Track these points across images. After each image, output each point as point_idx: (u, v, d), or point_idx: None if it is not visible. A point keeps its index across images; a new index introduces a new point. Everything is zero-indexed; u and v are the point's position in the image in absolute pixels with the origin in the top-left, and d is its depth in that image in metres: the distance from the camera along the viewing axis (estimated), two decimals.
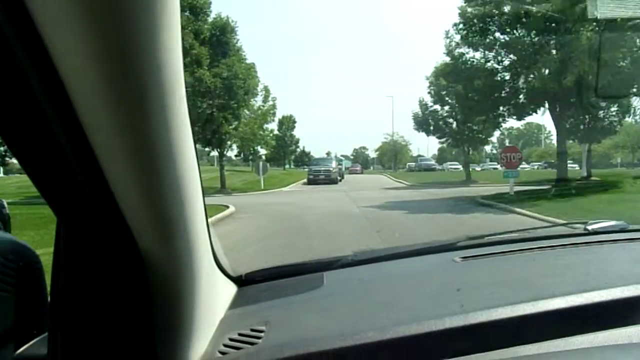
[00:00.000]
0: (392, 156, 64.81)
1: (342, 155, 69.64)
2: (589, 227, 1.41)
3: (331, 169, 30.56)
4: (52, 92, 0.50)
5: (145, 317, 0.69)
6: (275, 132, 57.42)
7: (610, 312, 0.79)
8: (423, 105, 30.69)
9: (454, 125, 28.85)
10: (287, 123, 59.17)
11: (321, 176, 29.95)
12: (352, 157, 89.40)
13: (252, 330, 0.86)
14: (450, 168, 52.97)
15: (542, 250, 1.24)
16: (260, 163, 26.54)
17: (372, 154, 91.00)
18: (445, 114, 29.38)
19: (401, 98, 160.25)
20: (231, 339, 0.83)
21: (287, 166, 60.02)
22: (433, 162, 57.81)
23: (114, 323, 0.68)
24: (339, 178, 31.23)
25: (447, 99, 28.08)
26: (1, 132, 0.52)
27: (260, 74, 28.85)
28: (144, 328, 0.70)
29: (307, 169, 32.66)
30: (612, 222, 1.43)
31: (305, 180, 30.67)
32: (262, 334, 0.84)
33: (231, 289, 1.12)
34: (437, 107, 29.67)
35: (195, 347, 0.78)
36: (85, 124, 0.52)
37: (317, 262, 1.31)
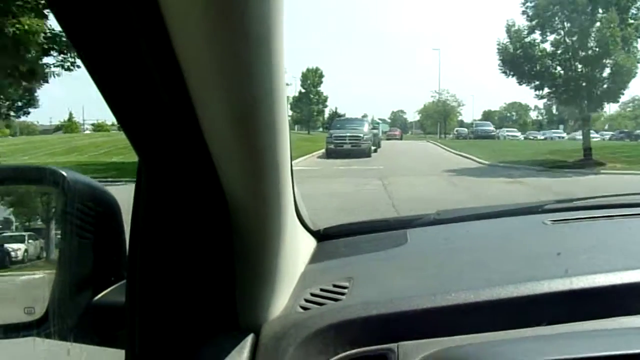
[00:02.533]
0: (439, 119, 54.32)
1: (379, 119, 59.38)
2: None
3: (362, 134, 20.72)
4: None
5: (226, 267, 0.68)
6: (299, 88, 48.62)
7: None
8: (514, 33, 18.47)
9: (562, 68, 17.80)
10: (312, 78, 49.60)
11: (346, 145, 20.20)
12: (389, 121, 79.76)
13: (335, 286, 0.82)
14: (509, 136, 42.98)
15: (636, 217, 1.13)
16: None
17: (411, 118, 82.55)
18: (550, 50, 18.13)
19: (450, 51, 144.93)
20: (313, 294, 0.80)
21: (319, 129, 50.91)
22: (492, 127, 46.93)
23: (193, 272, 0.67)
24: (372, 148, 21.29)
25: (556, 22, 17.48)
26: (97, 70, 0.52)
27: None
28: (225, 278, 0.69)
29: (327, 134, 22.94)
30: None
31: (324, 150, 21.06)
32: (345, 290, 0.80)
33: (311, 243, 1.08)
34: (536, 36, 18.37)
35: (276, 300, 0.75)
36: (183, 66, 0.51)
37: (399, 219, 1.28)
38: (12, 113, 21.78)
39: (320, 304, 0.77)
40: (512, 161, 17.06)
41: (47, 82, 15.88)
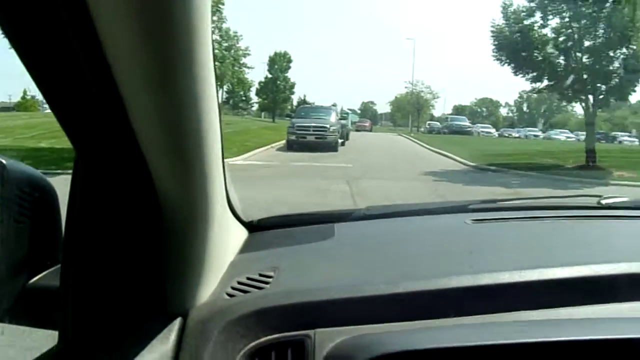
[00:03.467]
0: (411, 111, 52.00)
1: (348, 109, 56.91)
2: (603, 202, 1.36)
3: (328, 125, 17.93)
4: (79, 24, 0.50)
5: (156, 254, 0.71)
6: (266, 73, 45.73)
7: (617, 285, 0.81)
8: (511, 14, 15.62)
9: (565, 57, 14.92)
10: (280, 62, 46.48)
11: (310, 136, 17.44)
12: (359, 112, 77.38)
13: (261, 275, 0.86)
14: (483, 132, 41.10)
15: (555, 219, 1.23)
16: None
17: (381, 109, 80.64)
18: (551, 35, 15.11)
19: (424, 41, 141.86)
20: (240, 282, 0.84)
21: (286, 117, 48.43)
22: (468, 122, 44.38)
23: (125, 259, 0.69)
24: (339, 141, 18.50)
25: (559, 3, 14.59)
26: (31, 66, 0.54)
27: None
28: (155, 265, 0.71)
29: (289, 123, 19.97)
30: (626, 198, 1.41)
31: (285, 141, 18.28)
32: (270, 280, 0.84)
33: (242, 233, 1.12)
34: (537, 18, 15.37)
35: (204, 287, 0.78)
36: (109, 55, 0.52)
37: (329, 213, 1.32)
38: None
39: (246, 292, 0.80)
40: (502, 164, 14.51)
41: None
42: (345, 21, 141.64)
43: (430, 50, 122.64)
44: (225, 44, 25.24)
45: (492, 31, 15.91)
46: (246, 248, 1.04)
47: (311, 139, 17.26)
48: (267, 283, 0.83)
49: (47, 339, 0.75)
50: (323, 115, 19.14)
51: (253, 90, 44.46)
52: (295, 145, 17.19)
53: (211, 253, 0.78)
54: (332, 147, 17.25)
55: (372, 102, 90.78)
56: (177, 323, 0.72)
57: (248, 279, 0.84)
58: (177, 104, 0.56)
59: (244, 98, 43.70)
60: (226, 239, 0.89)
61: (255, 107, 50.65)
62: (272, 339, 0.71)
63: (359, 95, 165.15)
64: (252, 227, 1.16)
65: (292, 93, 49.17)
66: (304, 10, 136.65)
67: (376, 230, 1.19)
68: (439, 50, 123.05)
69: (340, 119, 20.95)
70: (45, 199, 0.81)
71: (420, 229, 1.21)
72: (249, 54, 28.69)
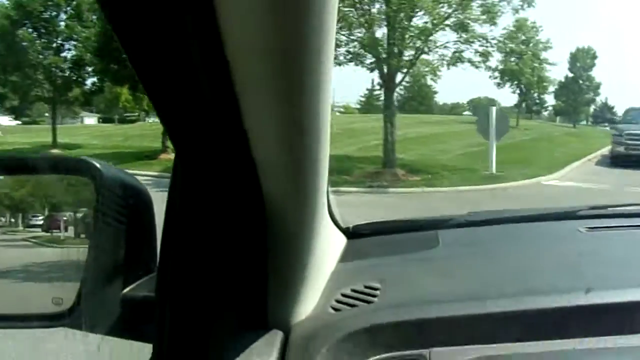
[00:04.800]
0: None
1: None
2: None
3: None
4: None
5: (259, 264, 0.69)
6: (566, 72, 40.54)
7: None
8: None
9: None
10: (583, 59, 40.29)
11: None
12: None
13: (366, 287, 0.82)
14: None
15: None
16: (492, 110, 12.06)
17: None
18: None
19: None
20: (344, 295, 0.80)
21: (582, 122, 42.22)
22: None
23: (225, 269, 0.68)
24: None
25: None
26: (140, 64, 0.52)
27: None
28: (257, 276, 0.69)
29: (611, 131, 16.02)
30: None
31: (606, 152, 14.70)
32: (377, 292, 0.80)
33: (341, 240, 1.07)
34: None
35: (307, 299, 0.76)
36: (228, 52, 0.50)
37: (430, 219, 1.25)
38: None
39: (352, 305, 0.77)
40: None
41: None
42: None
43: None
44: (523, 37, 21.96)
45: None
46: (346, 257, 0.99)
47: None
48: (374, 296, 0.79)
49: (141, 352, 0.73)
50: None
51: (548, 91, 39.73)
52: (624, 160, 13.56)
53: (314, 263, 0.75)
54: None
55: None
56: (279, 338, 0.70)
57: (353, 291, 0.81)
58: (296, 113, 0.54)
59: (538, 100, 39.57)
60: (328, 247, 0.88)
61: (549, 110, 45.64)
62: (383, 357, 0.68)
63: None
64: (350, 233, 1.10)
65: (598, 94, 42.46)
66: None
67: (483, 238, 1.12)
68: None
69: None
70: (141, 206, 0.79)
71: (531, 237, 1.11)
72: (550, 47, 24.55)
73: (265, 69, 0.49)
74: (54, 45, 22.53)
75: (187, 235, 0.66)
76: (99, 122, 63.30)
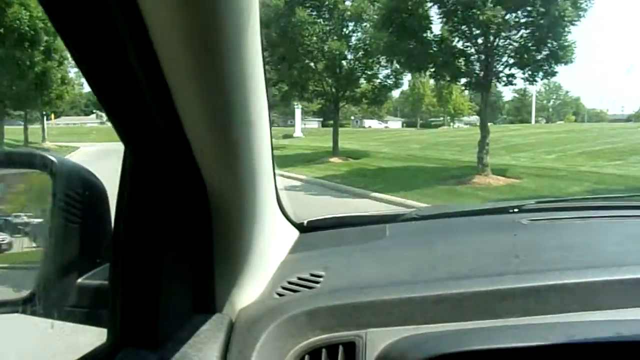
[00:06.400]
0: None
1: None
2: None
3: None
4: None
5: (206, 252, 0.72)
6: None
7: None
8: None
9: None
10: None
11: None
12: None
13: (311, 275, 0.86)
14: None
15: (612, 219, 1.19)
16: None
17: None
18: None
19: None
20: (290, 282, 0.84)
21: None
22: None
23: (174, 257, 0.69)
24: None
25: None
26: (83, 63, 0.54)
27: None
28: (204, 263, 0.72)
29: None
30: None
31: None
32: (320, 279, 0.84)
33: (293, 234, 1.12)
34: None
35: (254, 287, 0.79)
36: (155, 42, 0.52)
37: (381, 214, 1.31)
38: None
39: (296, 291, 0.80)
40: None
41: None
42: None
43: None
44: None
45: None
46: (297, 248, 1.03)
47: None
48: (317, 283, 0.82)
49: (96, 336, 0.76)
50: None
51: None
52: None
53: (261, 252, 0.78)
54: None
55: None
56: (226, 322, 0.73)
57: (299, 278, 0.84)
58: (224, 101, 0.56)
59: None
60: (276, 239, 0.90)
61: None
62: (322, 339, 0.71)
63: None
64: (303, 228, 1.15)
65: None
66: None
67: (427, 231, 1.18)
68: None
69: None
70: (95, 196, 0.80)
71: (474, 229, 1.17)
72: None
73: (193, 62, 0.51)
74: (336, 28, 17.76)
75: (136, 225, 0.68)
76: (402, 126, 58.19)
